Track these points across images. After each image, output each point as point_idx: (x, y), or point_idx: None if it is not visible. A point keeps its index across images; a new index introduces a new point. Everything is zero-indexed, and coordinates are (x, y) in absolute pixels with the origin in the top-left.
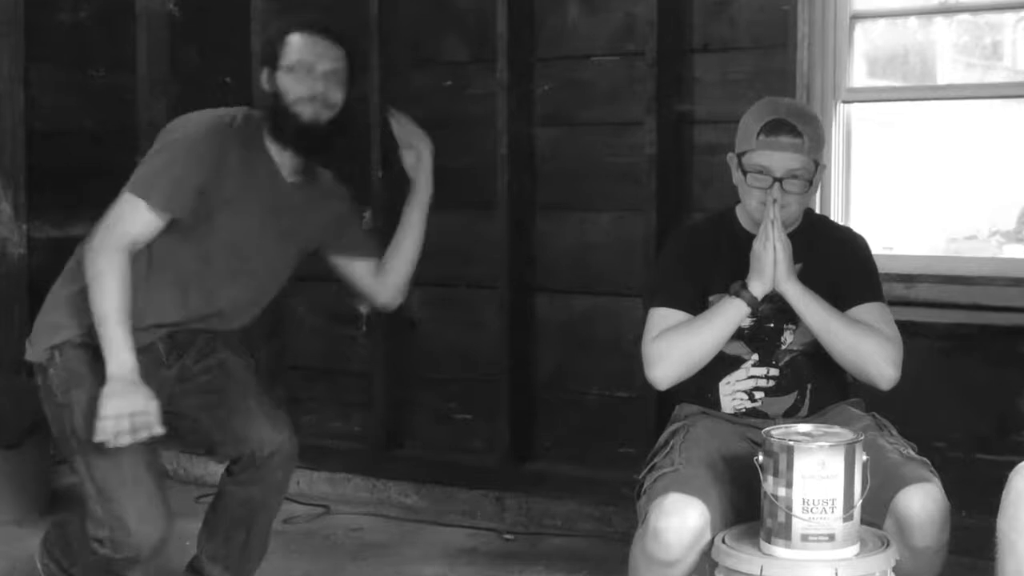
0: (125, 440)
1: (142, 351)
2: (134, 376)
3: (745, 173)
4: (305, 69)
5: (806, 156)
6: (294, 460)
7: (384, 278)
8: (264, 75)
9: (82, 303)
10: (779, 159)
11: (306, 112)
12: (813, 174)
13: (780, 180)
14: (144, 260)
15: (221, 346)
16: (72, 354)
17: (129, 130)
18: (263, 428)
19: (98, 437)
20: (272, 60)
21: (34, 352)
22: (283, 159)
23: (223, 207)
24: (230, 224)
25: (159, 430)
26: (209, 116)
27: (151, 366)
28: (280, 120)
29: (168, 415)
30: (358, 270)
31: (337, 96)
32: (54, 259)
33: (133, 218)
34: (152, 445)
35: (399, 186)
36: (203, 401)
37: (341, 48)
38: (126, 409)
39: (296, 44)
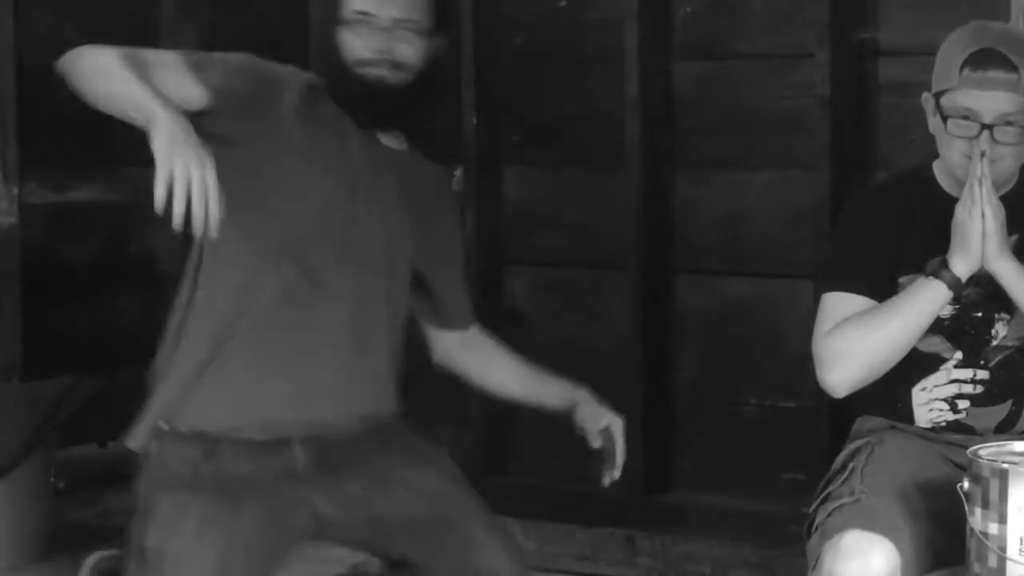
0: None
1: (263, 454)
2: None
3: (945, 118)
4: (371, 23)
5: (1023, 96)
6: None
7: (463, 354)
8: (324, 27)
9: (191, 378)
10: (989, 100)
11: (370, 74)
12: None
13: (990, 127)
14: (210, 331)
15: (400, 456)
16: (172, 451)
17: None
18: (496, 556)
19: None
20: (331, 9)
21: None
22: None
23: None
24: (301, 197)
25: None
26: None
27: (280, 476)
28: (338, 84)
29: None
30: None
31: (408, 53)
32: (52, 230)
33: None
34: None
35: (499, 136)
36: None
37: None
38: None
39: None
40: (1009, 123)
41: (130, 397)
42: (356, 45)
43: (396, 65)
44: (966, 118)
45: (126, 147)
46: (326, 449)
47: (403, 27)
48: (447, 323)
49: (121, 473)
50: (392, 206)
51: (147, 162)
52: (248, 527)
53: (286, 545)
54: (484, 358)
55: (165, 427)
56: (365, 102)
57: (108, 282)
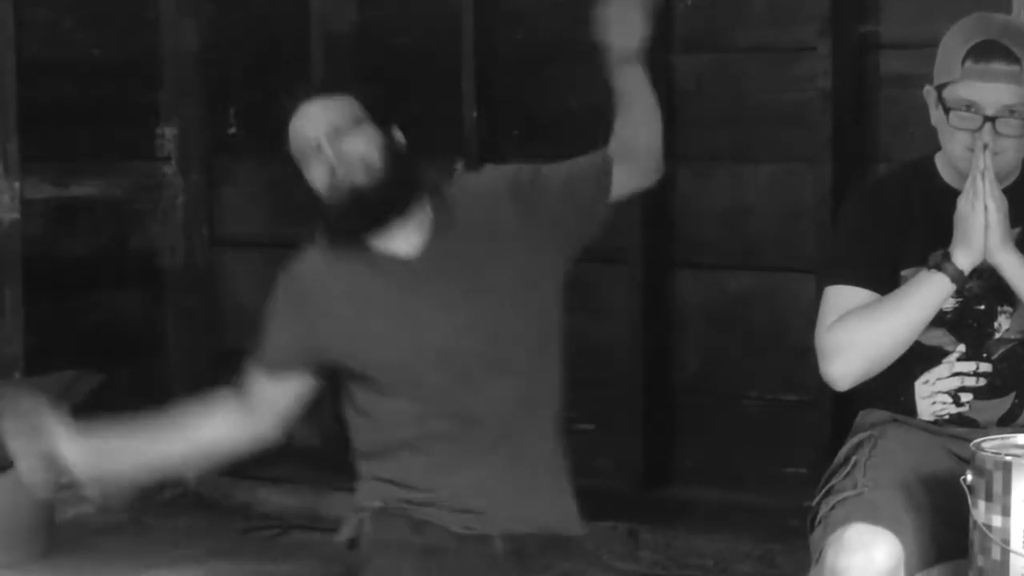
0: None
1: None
2: None
3: (947, 111)
4: (310, 149)
5: None
6: None
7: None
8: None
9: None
10: (991, 92)
11: (336, 195)
12: None
13: (992, 119)
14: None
15: (584, 566)
16: (383, 525)
17: (149, 59)
18: None
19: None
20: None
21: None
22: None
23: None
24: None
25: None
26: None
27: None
28: (325, 219)
29: None
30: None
31: (358, 150)
32: (53, 225)
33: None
34: None
35: (500, 128)
36: None
37: (335, 96)
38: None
39: (291, 130)
40: (1012, 114)
41: (131, 391)
42: (314, 175)
43: (356, 170)
44: (968, 110)
45: (127, 142)
46: (522, 547)
47: (337, 136)
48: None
49: None
50: (476, 289)
51: (147, 156)
52: None
53: None
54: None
55: (377, 504)
56: (347, 218)
57: (109, 277)
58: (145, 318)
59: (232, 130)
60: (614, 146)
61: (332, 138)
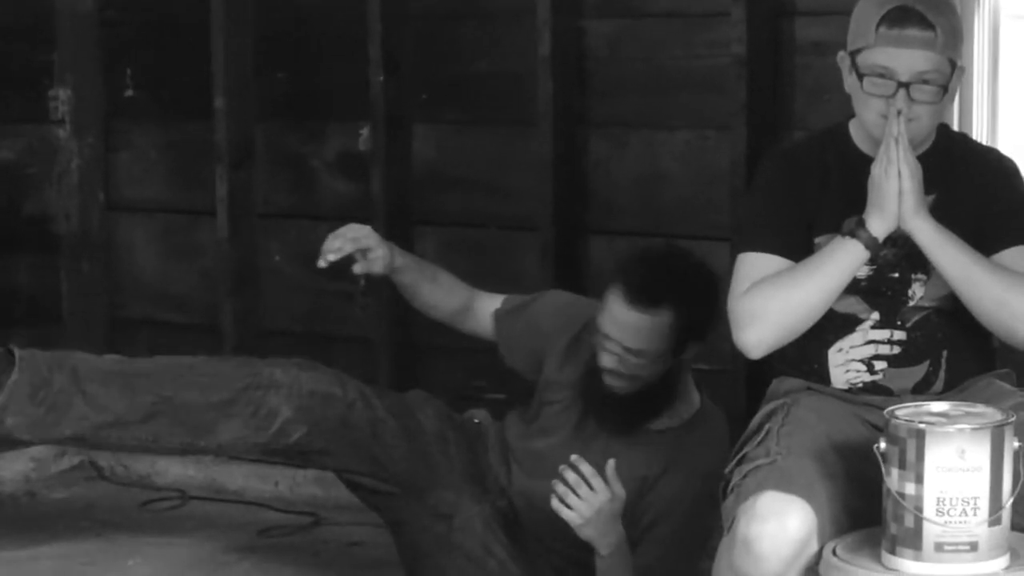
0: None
1: None
2: None
3: (861, 77)
4: (603, 339)
5: (939, 54)
6: None
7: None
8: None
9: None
10: (905, 58)
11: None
12: (948, 78)
13: (906, 85)
14: None
15: None
16: None
17: (42, 19)
18: None
19: None
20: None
21: None
22: None
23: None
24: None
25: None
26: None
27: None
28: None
29: None
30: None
31: (635, 372)
32: None
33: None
34: None
35: (407, 94)
36: None
37: (658, 313)
38: None
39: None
40: (926, 81)
41: None
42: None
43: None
44: (882, 76)
45: (19, 105)
46: None
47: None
48: None
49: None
50: None
51: (40, 119)
52: None
53: None
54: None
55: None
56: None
57: (2, 243)
58: (39, 285)
59: (129, 92)
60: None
61: (626, 354)
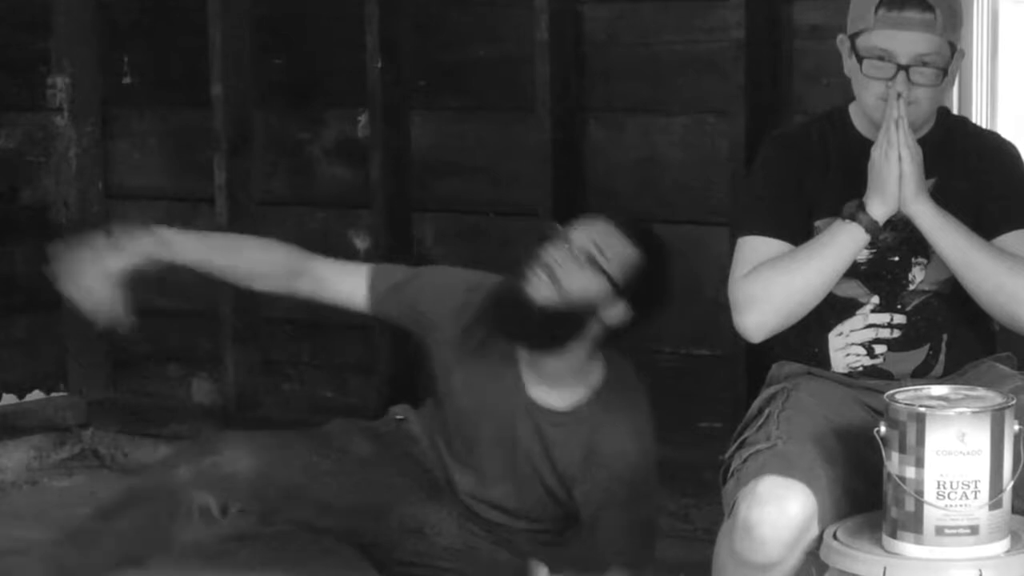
0: None
1: None
2: None
3: (860, 60)
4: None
5: (939, 36)
6: None
7: None
8: None
9: None
10: (904, 40)
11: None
12: (948, 61)
13: (906, 68)
14: None
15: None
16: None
17: (39, 5)
18: None
19: None
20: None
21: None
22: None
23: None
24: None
25: None
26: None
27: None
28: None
29: None
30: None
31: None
32: None
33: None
34: None
35: (405, 80)
36: None
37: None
38: None
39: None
40: (925, 64)
41: (25, 345)
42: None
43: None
44: (882, 59)
45: (16, 92)
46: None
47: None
48: None
49: (13, 425)
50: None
51: (38, 107)
52: None
53: None
54: None
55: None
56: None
57: (1, 230)
58: (38, 273)
59: (126, 79)
60: None
61: (570, 258)
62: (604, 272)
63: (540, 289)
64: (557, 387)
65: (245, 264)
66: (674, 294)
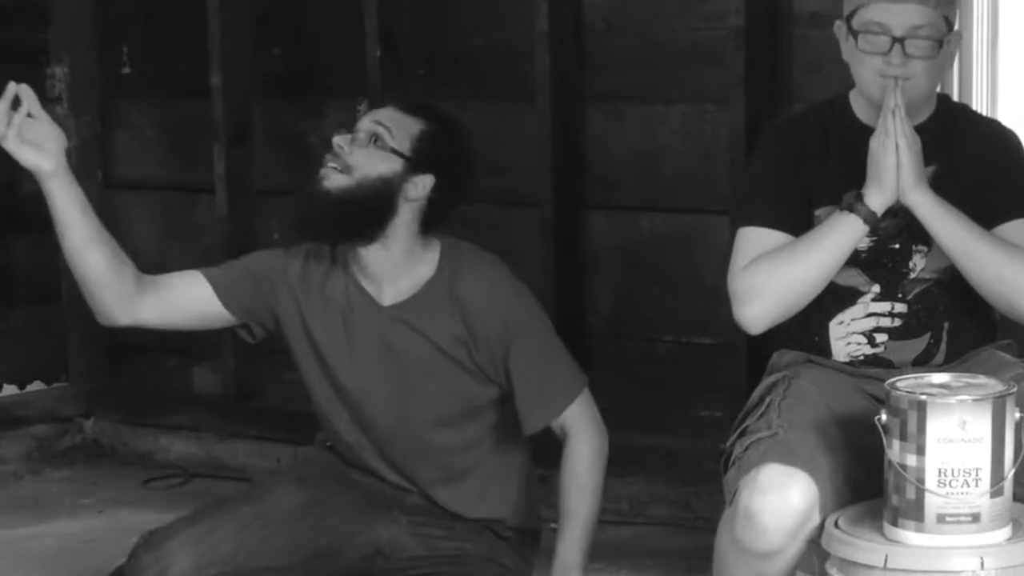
0: None
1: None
2: None
3: (856, 35)
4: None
5: (933, 9)
6: None
7: None
8: None
9: None
10: (898, 12)
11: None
12: (943, 34)
13: (901, 40)
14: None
15: None
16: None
17: None
18: None
19: None
20: None
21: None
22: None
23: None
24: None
25: None
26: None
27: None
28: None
29: None
30: None
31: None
32: None
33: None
34: None
35: (405, 69)
36: None
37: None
38: None
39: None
40: (920, 36)
41: (26, 336)
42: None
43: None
44: (876, 33)
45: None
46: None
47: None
48: None
49: (14, 416)
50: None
51: (39, 98)
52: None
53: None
54: None
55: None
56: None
57: (1, 221)
58: (38, 263)
59: (125, 70)
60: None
61: (350, 139)
62: (392, 149)
63: (333, 179)
64: (400, 279)
65: (103, 256)
66: (475, 157)
